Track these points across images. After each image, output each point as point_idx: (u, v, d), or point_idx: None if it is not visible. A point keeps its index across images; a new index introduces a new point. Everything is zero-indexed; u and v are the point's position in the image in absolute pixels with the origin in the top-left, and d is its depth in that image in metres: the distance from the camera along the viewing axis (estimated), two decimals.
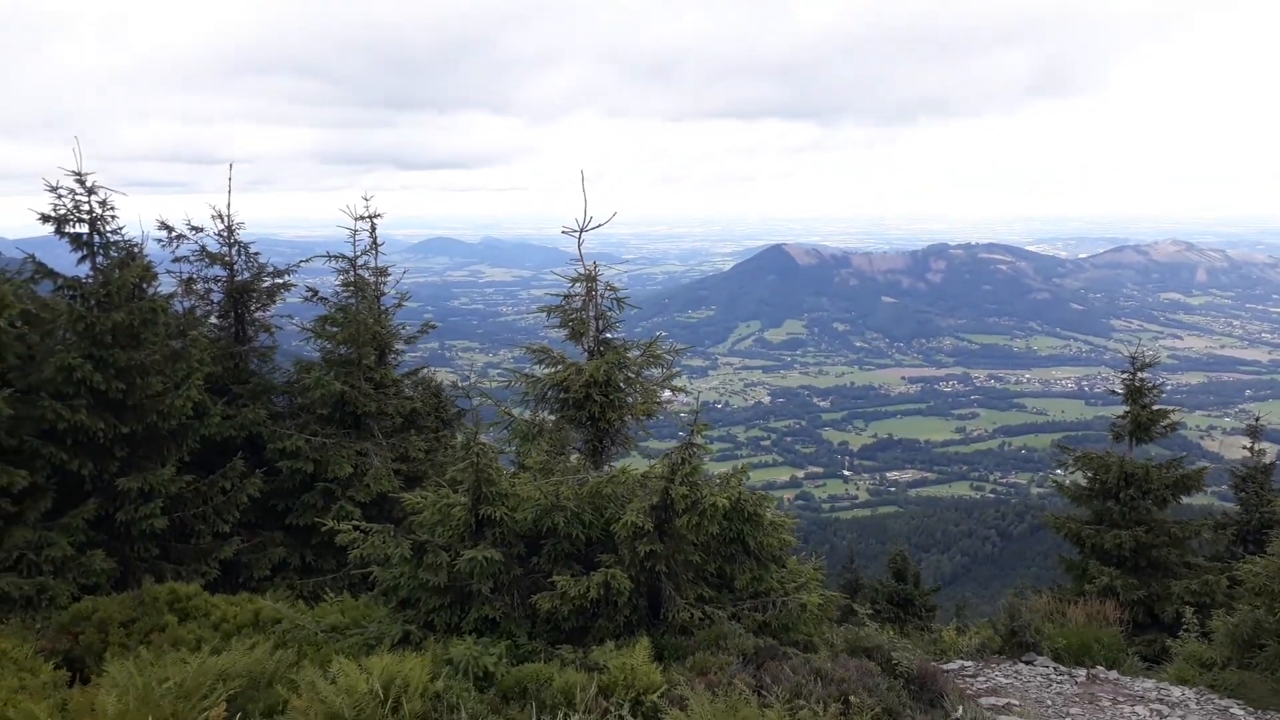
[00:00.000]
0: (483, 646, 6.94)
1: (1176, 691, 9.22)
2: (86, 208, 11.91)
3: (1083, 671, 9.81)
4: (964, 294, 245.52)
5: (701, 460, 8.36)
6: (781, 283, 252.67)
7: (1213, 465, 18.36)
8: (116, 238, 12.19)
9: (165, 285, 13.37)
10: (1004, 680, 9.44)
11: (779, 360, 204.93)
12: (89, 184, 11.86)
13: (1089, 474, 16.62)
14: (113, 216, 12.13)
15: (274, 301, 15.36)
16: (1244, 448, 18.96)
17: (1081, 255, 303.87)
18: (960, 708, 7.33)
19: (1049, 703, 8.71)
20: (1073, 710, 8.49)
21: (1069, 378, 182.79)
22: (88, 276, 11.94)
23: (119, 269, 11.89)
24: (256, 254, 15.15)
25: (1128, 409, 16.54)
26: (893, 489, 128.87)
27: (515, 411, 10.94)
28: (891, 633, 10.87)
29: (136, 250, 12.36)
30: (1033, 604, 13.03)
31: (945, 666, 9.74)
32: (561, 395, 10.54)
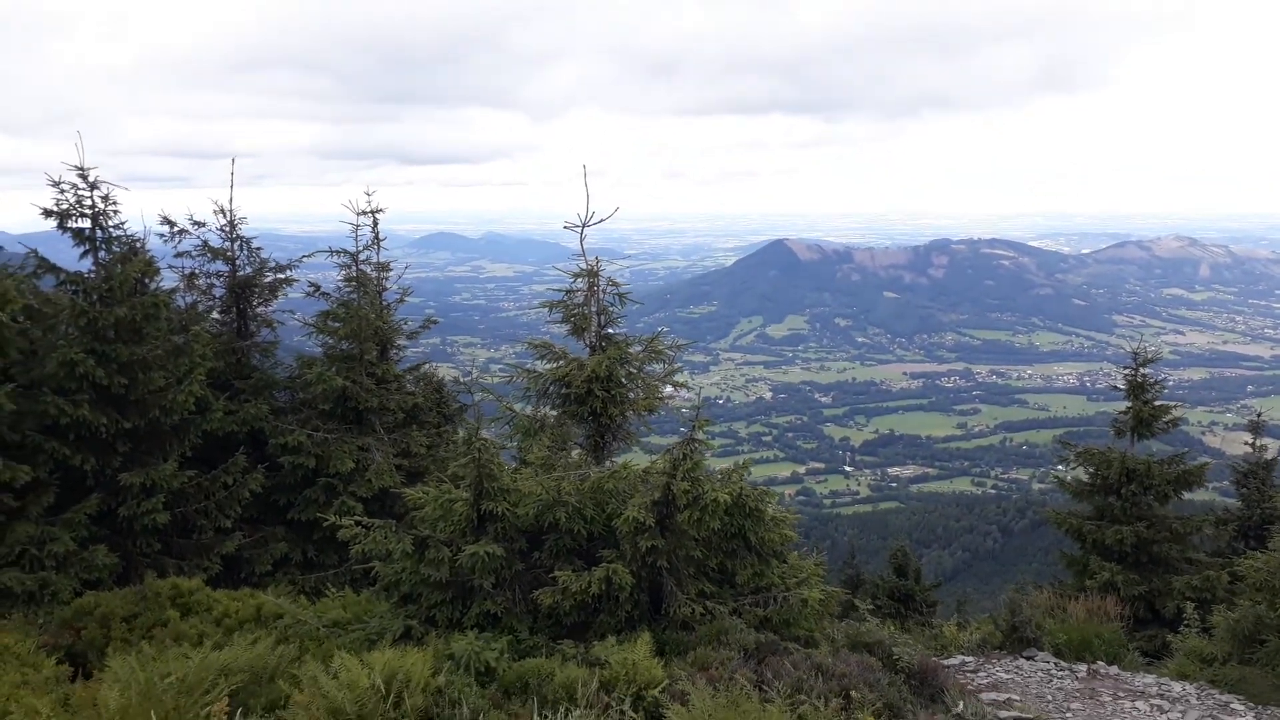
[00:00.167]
0: (484, 642, 6.95)
1: (1177, 687, 9.23)
2: (89, 203, 11.91)
3: (1083, 667, 9.83)
4: (966, 289, 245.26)
5: (703, 456, 8.37)
6: (783, 278, 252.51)
7: (1214, 461, 18.37)
8: (119, 233, 12.19)
9: (167, 280, 13.38)
10: (1005, 676, 9.45)
11: (781, 356, 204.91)
12: (91, 179, 11.87)
13: (1090, 470, 16.62)
14: (115, 211, 12.15)
15: (276, 296, 15.37)
16: (1246, 443, 18.95)
17: (1084, 251, 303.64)
18: (961, 703, 7.34)
19: (1050, 698, 8.72)
20: (1073, 705, 8.51)
21: (1071, 373, 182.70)
22: (90, 271, 11.94)
23: (121, 264, 11.90)
24: (259, 249, 15.15)
25: (1129, 405, 16.54)
26: (894, 484, 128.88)
27: (517, 407, 10.94)
28: (893, 628, 10.89)
29: (139, 245, 12.36)
30: (1034, 600, 13.06)
31: (946, 662, 9.76)
32: (563, 390, 10.53)
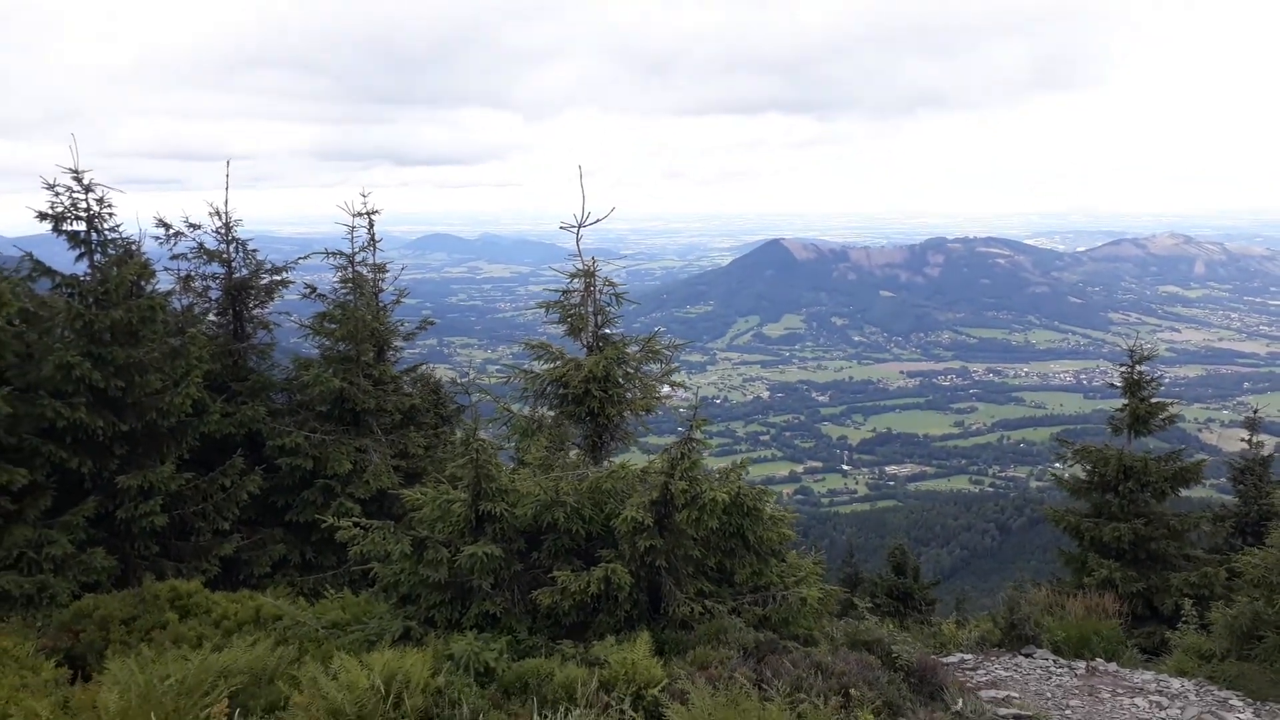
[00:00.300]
0: (484, 642, 6.95)
1: (1176, 683, 9.25)
2: (84, 205, 11.89)
3: (1082, 664, 9.84)
4: (962, 288, 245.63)
5: (701, 455, 8.37)
6: (780, 277, 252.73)
7: (1211, 458, 18.43)
8: (114, 235, 12.17)
9: (163, 282, 13.37)
10: (1004, 673, 9.46)
11: (777, 355, 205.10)
12: (86, 181, 11.84)
13: (1088, 467, 16.65)
14: (110, 214, 12.11)
15: (272, 298, 15.36)
16: (1242, 440, 19.00)
17: (1080, 249, 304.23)
18: (960, 700, 7.35)
19: (1049, 695, 8.73)
20: (1072, 702, 8.52)
21: (1067, 371, 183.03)
22: (86, 274, 11.92)
23: (117, 266, 11.88)
24: (254, 251, 15.14)
25: (1126, 402, 16.57)
26: (892, 483, 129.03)
27: (514, 407, 10.94)
28: (891, 626, 10.88)
29: (134, 248, 12.34)
30: (1032, 597, 13.07)
31: (945, 660, 9.77)
32: (560, 391, 10.53)
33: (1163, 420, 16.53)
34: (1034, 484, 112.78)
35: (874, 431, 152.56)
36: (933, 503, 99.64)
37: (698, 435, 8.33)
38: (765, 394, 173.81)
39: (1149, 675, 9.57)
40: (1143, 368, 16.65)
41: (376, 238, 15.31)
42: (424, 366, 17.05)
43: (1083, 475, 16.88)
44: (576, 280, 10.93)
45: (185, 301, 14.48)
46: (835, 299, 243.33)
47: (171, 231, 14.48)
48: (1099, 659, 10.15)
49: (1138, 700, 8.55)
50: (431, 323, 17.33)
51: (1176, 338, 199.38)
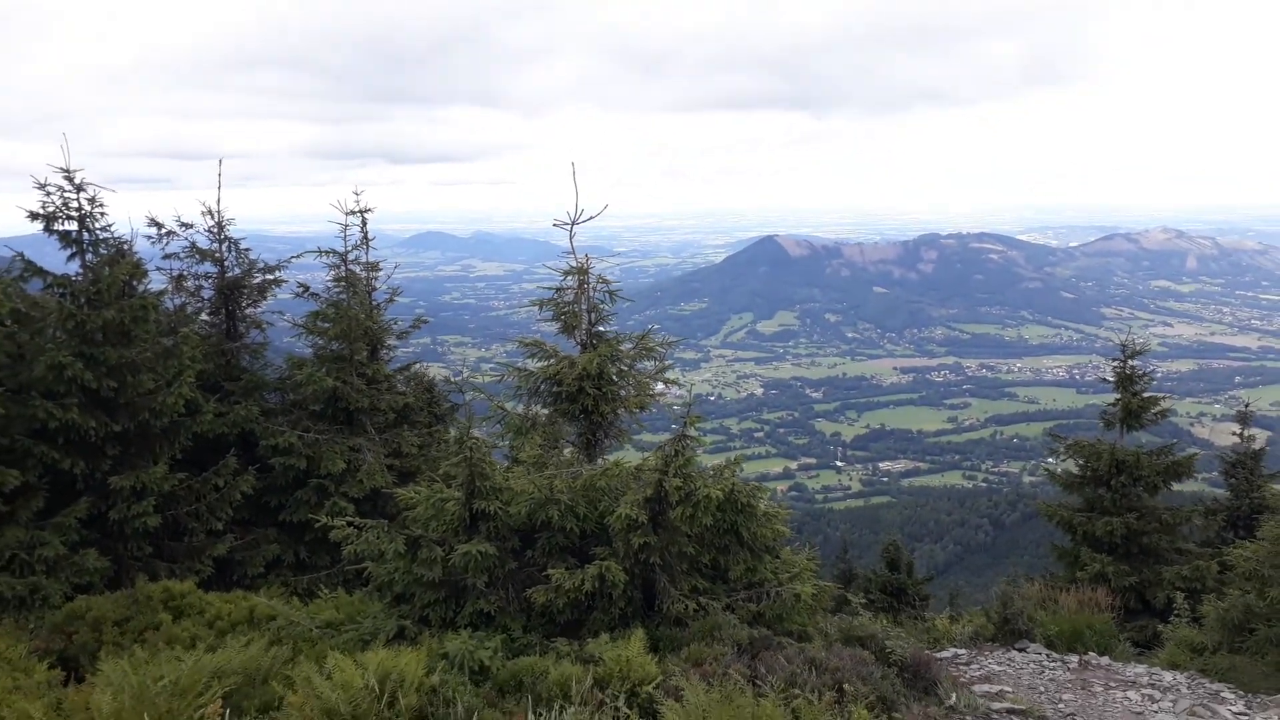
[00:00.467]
0: (478, 640, 6.95)
1: (1168, 676, 9.29)
2: (75, 205, 11.85)
3: (1075, 658, 9.88)
4: (955, 283, 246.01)
5: (695, 452, 8.38)
6: (773, 274, 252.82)
7: (1203, 452, 18.47)
8: (106, 235, 12.12)
9: (156, 282, 13.31)
10: (997, 668, 9.49)
11: (771, 352, 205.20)
12: (78, 181, 11.80)
13: (1080, 462, 16.71)
14: (102, 213, 12.07)
15: (265, 297, 15.33)
16: (1234, 434, 19.07)
17: (1072, 244, 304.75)
18: (954, 695, 7.38)
19: (1042, 689, 8.76)
20: (1065, 696, 8.55)
21: (1060, 366, 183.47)
22: (77, 274, 11.88)
23: (109, 266, 11.84)
24: (247, 250, 15.12)
25: (1118, 397, 16.63)
26: (885, 479, 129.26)
27: (508, 406, 10.94)
28: (885, 622, 10.91)
29: (126, 247, 12.30)
30: (1025, 592, 13.12)
31: (939, 655, 9.80)
32: (554, 389, 10.53)
33: (1155, 415, 16.60)
34: (1027, 479, 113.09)
35: (868, 427, 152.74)
36: (926, 498, 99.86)
37: (692, 432, 8.34)
38: (759, 391, 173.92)
39: (1141, 668, 9.62)
40: (1135, 362, 16.71)
41: (370, 236, 15.29)
42: (418, 365, 17.02)
43: (1075, 470, 16.94)
44: (570, 278, 10.93)
45: (178, 301, 14.45)
46: (829, 295, 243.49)
47: (164, 231, 14.45)
48: (1092, 653, 10.20)
49: (1130, 693, 8.59)
50: (425, 321, 17.31)
51: (1169, 332, 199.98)
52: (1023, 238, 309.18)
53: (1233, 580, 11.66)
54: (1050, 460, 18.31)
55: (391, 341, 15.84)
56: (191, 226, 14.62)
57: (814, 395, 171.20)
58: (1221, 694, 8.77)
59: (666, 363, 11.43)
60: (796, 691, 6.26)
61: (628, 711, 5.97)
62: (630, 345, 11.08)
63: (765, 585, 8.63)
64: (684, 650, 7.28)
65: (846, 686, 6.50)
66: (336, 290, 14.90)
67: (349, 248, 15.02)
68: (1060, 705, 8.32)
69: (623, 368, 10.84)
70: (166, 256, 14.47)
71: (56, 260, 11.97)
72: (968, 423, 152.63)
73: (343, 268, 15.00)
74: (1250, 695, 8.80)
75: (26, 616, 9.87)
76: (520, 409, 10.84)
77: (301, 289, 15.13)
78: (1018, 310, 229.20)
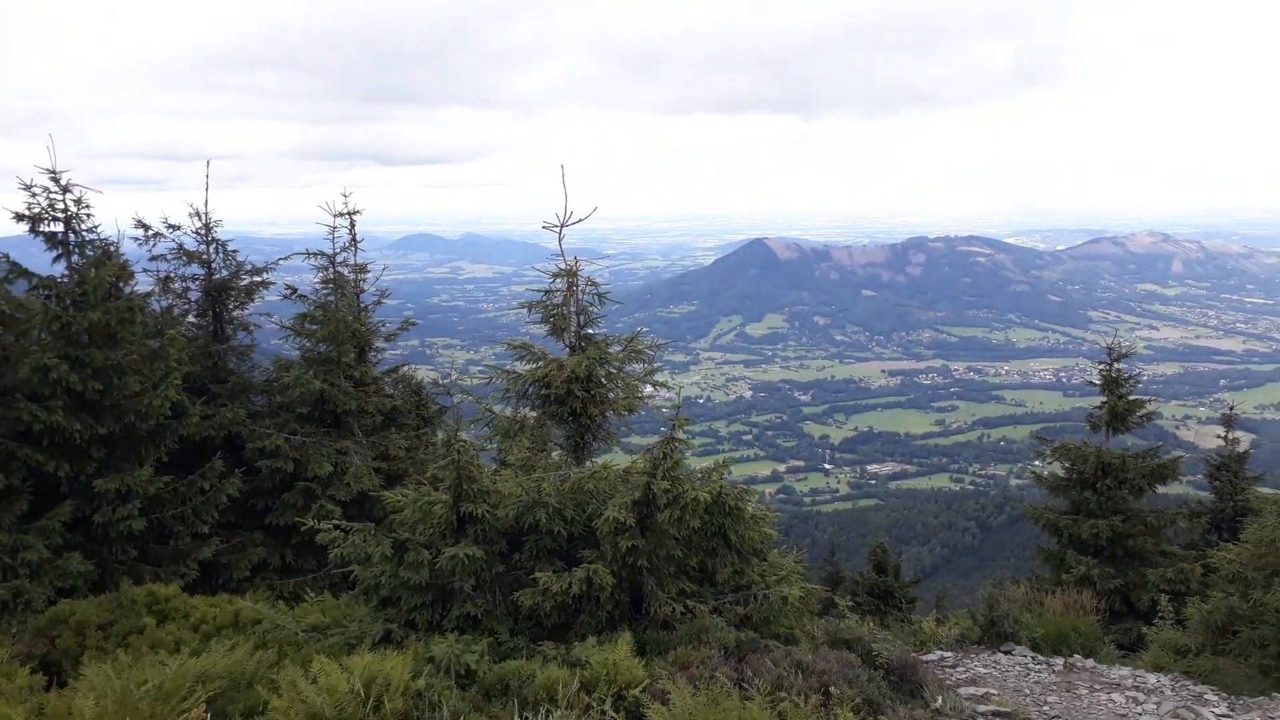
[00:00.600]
0: (464, 644, 6.94)
1: (1152, 678, 9.35)
2: (61, 206, 11.77)
3: (1060, 660, 9.93)
4: (943, 287, 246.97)
5: (683, 455, 8.39)
6: (762, 277, 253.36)
7: (1188, 454, 18.62)
8: (92, 236, 12.05)
9: (142, 284, 13.25)
10: (983, 670, 9.53)
11: (760, 354, 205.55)
12: (64, 182, 11.73)
13: (1067, 464, 16.80)
14: (88, 215, 12.00)
15: (252, 300, 15.26)
16: (1218, 437, 19.21)
17: (1060, 247, 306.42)
18: (940, 698, 7.40)
19: (1027, 691, 8.80)
20: (1050, 699, 8.59)
21: (1047, 369, 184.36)
22: (63, 276, 11.81)
23: (95, 268, 11.77)
24: (235, 252, 15.04)
25: (1104, 399, 16.72)
26: (873, 482, 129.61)
27: (496, 408, 10.93)
28: (872, 625, 10.95)
29: (113, 249, 12.23)
30: (1011, 594, 13.18)
31: (925, 657, 9.83)
32: (543, 391, 10.53)
33: (1140, 417, 16.71)
34: (1014, 482, 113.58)
35: (855, 430, 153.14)
36: (914, 501, 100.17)
37: (680, 435, 8.35)
38: (748, 393, 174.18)
39: (1126, 671, 9.67)
40: (1121, 365, 16.82)
41: (358, 238, 15.24)
42: (406, 367, 16.98)
43: (1062, 473, 17.04)
44: (559, 280, 10.93)
45: (164, 303, 14.37)
46: (817, 298, 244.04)
47: (150, 233, 14.37)
48: (1077, 655, 10.25)
49: (1114, 696, 8.64)
50: (413, 323, 17.27)
51: (1155, 335, 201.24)
52: (1010, 241, 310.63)
53: (1216, 583, 11.74)
54: (1037, 463, 18.41)
55: (379, 344, 15.80)
56: (179, 228, 14.55)
57: (802, 398, 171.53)
58: (1205, 696, 8.82)
59: (655, 365, 11.44)
60: (783, 694, 6.27)
61: (614, 715, 5.97)
62: (619, 348, 11.08)
63: (753, 588, 8.65)
64: (671, 653, 7.28)
65: (833, 689, 6.52)
66: (324, 292, 14.85)
67: (337, 250, 14.97)
68: (1045, 708, 8.36)
69: (611, 370, 10.84)
70: (153, 258, 14.39)
71: (42, 262, 11.90)
72: (955, 425, 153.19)
73: (331, 270, 14.95)
74: (1233, 697, 8.86)
75: (9, 620, 9.80)
76: (508, 411, 10.83)
77: (289, 291, 15.07)
78: (1005, 313, 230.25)
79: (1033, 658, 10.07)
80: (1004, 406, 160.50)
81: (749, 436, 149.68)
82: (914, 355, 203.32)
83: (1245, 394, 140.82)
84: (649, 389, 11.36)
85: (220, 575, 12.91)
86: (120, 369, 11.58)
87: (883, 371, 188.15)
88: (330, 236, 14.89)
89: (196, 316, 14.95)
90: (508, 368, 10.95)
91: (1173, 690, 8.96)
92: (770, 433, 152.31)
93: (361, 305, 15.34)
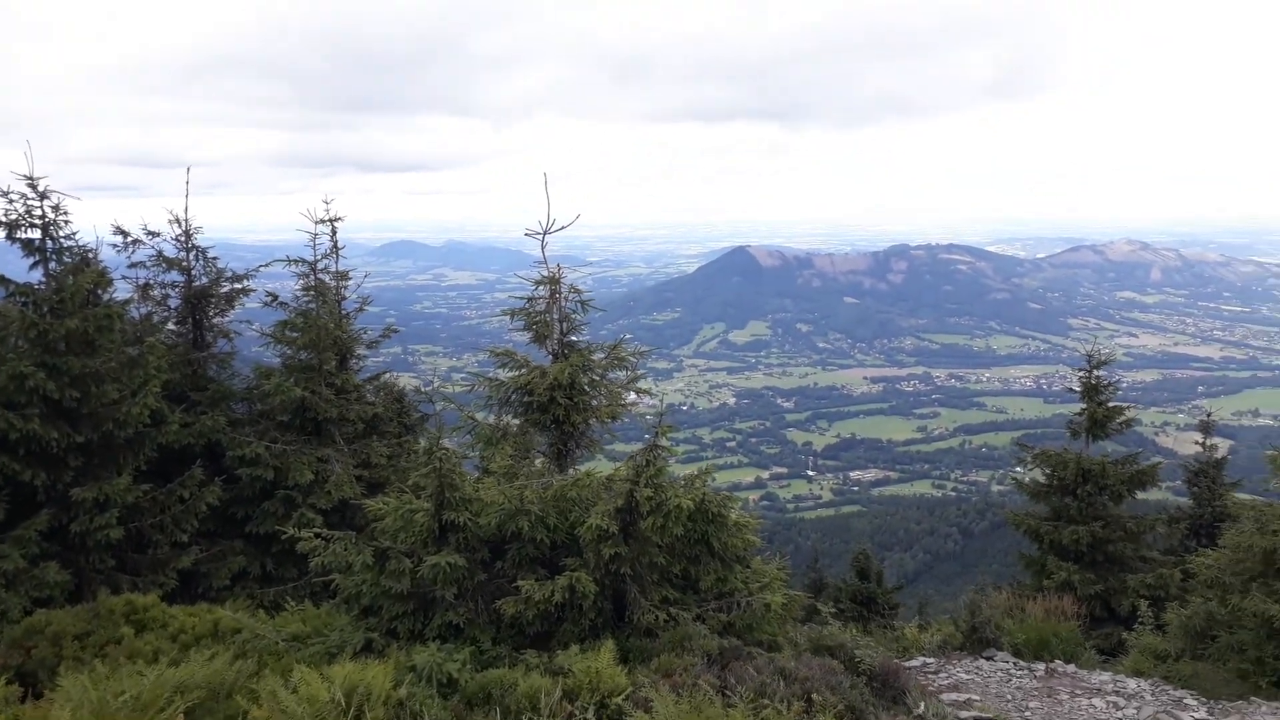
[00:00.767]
0: (446, 653, 6.90)
1: (1132, 683, 9.41)
2: (38, 213, 11.68)
3: (1042, 666, 9.98)
4: (925, 294, 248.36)
5: (666, 462, 8.39)
6: (745, 284, 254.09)
7: (1167, 461, 18.78)
8: (70, 243, 11.97)
9: (121, 291, 13.14)
10: (965, 676, 9.57)
11: (743, 362, 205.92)
12: (41, 188, 11.64)
13: (1047, 471, 16.91)
14: (66, 221, 11.92)
15: (233, 307, 15.17)
16: (1196, 443, 19.41)
17: (1040, 255, 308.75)
18: (922, 704, 7.42)
19: (1009, 697, 8.84)
20: (1032, 704, 8.63)
21: (1028, 376, 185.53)
22: (40, 283, 11.70)
23: (73, 275, 11.68)
24: (215, 259, 14.95)
25: (1084, 406, 16.86)
26: (856, 488, 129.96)
27: (479, 416, 10.89)
28: (855, 631, 10.98)
29: (91, 256, 12.14)
30: (993, 600, 13.23)
31: (908, 664, 9.86)
32: (525, 399, 10.51)
33: (1120, 424, 16.86)
34: (995, 488, 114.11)
35: (838, 437, 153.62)
36: (896, 507, 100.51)
37: (663, 442, 8.35)
38: (731, 400, 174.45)
39: (1106, 676, 9.73)
40: (1100, 372, 16.96)
41: (340, 245, 15.17)
42: (387, 375, 16.90)
43: (1042, 479, 17.15)
44: (542, 287, 10.92)
45: (143, 310, 14.27)
46: (800, 306, 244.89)
47: (130, 239, 14.28)
48: (1058, 661, 10.30)
49: (1095, 701, 8.69)
50: (395, 330, 17.20)
51: (1134, 343, 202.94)
52: (991, 249, 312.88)
53: (1195, 588, 11.85)
54: (1018, 469, 18.54)
55: (361, 351, 15.72)
56: (158, 235, 14.45)
57: (785, 405, 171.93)
58: (1184, 700, 8.89)
59: (639, 372, 11.44)
60: (766, 702, 6.27)
61: None
62: (602, 355, 11.08)
63: (736, 595, 8.65)
64: (654, 661, 7.26)
65: (815, 696, 6.52)
66: (305, 299, 14.78)
67: (318, 256, 14.90)
68: (1027, 713, 8.40)
69: (594, 377, 10.84)
70: (132, 265, 14.28)
71: (19, 268, 11.79)
72: (937, 432, 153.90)
73: (312, 276, 14.88)
74: (1212, 702, 8.93)
75: None
76: (491, 419, 10.80)
77: (270, 298, 14.98)
78: (986, 320, 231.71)
79: (1014, 663, 10.11)
80: (985, 413, 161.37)
81: (732, 443, 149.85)
82: (896, 362, 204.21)
83: (1222, 400, 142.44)
84: (632, 396, 11.36)
85: (200, 584, 12.80)
86: (98, 376, 11.47)
87: (865, 378, 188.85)
88: (311, 243, 14.82)
89: (176, 324, 14.85)
90: (490, 375, 10.92)
91: (1153, 695, 9.02)
92: (754, 439, 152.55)
93: (343, 312, 15.27)
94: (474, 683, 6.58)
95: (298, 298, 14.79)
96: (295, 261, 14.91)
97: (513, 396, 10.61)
